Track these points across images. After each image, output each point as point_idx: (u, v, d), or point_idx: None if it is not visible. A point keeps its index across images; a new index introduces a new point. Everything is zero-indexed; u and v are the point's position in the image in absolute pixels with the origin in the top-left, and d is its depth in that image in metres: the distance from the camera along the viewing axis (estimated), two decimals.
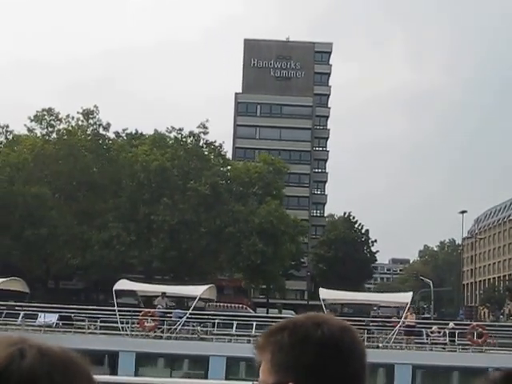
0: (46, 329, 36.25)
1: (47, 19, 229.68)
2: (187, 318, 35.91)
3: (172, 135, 69.04)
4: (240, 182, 67.97)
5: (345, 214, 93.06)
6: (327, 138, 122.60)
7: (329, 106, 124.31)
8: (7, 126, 68.62)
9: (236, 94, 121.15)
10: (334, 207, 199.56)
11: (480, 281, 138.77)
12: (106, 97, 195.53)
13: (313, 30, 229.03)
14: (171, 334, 35.49)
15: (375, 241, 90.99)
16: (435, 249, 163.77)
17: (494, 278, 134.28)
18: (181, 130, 68.44)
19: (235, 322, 34.64)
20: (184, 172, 67.17)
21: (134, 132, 76.22)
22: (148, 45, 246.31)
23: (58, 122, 69.05)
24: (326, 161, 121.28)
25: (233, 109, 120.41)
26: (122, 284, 38.67)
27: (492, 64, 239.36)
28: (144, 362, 34.27)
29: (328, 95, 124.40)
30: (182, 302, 41.87)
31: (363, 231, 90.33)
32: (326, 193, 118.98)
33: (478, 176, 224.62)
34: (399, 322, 36.66)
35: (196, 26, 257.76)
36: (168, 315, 36.85)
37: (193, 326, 36.04)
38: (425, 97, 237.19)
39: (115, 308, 36.03)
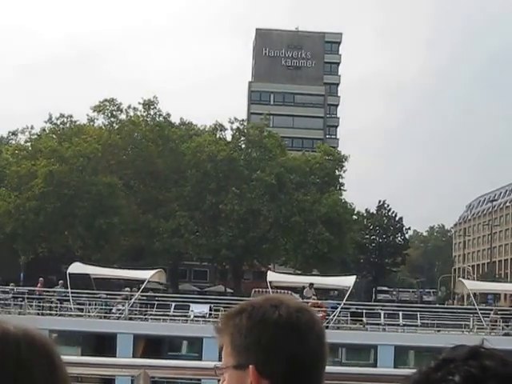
0: (203, 319, 37.63)
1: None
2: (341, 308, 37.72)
3: (234, 126, 70.52)
4: (299, 172, 69.79)
5: (379, 201, 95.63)
6: (337, 126, 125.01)
7: (338, 94, 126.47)
8: (71, 116, 69.19)
9: (249, 82, 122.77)
10: None
11: (473, 265, 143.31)
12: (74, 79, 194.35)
13: (292, 14, 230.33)
14: (327, 324, 37.17)
15: (409, 228, 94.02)
16: (424, 234, 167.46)
17: (488, 263, 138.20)
18: (243, 120, 69.95)
19: (401, 313, 36.31)
20: (248, 162, 68.80)
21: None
22: (115, 27, 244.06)
23: (119, 112, 69.95)
24: (335, 148, 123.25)
25: (246, 97, 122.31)
26: (272, 276, 40.25)
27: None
28: None
29: (337, 84, 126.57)
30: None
31: (397, 218, 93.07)
32: None
33: (457, 163, 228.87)
34: None
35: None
36: None
37: (344, 316, 37.69)
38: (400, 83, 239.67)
39: None
